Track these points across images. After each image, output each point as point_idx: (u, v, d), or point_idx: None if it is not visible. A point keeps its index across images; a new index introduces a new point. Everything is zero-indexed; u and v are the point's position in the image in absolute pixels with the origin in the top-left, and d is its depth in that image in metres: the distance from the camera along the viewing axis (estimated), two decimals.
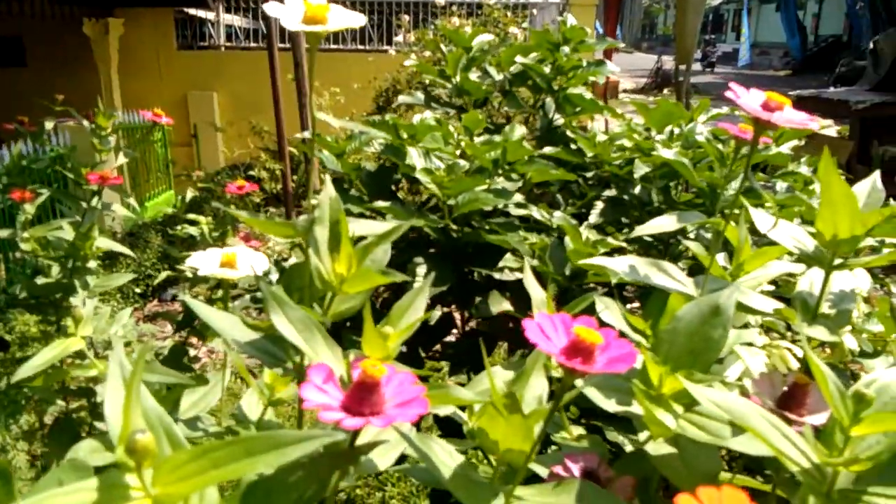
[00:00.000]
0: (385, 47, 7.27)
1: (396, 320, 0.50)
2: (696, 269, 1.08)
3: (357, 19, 0.53)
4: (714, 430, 0.50)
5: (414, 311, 0.50)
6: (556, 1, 7.79)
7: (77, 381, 1.83)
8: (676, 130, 1.31)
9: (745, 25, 27.08)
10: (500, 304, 1.14)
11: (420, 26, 6.89)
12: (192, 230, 1.67)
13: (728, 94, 0.64)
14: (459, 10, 6.72)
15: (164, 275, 1.85)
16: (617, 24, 6.01)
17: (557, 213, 1.14)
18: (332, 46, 7.32)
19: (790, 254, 0.72)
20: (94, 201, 1.45)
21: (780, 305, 0.69)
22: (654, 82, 16.57)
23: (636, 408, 0.53)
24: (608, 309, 0.65)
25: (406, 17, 6.43)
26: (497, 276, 1.18)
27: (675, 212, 0.80)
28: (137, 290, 3.80)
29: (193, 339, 1.56)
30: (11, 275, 4.27)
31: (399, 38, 5.86)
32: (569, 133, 1.38)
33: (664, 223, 0.76)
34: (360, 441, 0.46)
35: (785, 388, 0.55)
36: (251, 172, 4.68)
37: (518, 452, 0.46)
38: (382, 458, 0.49)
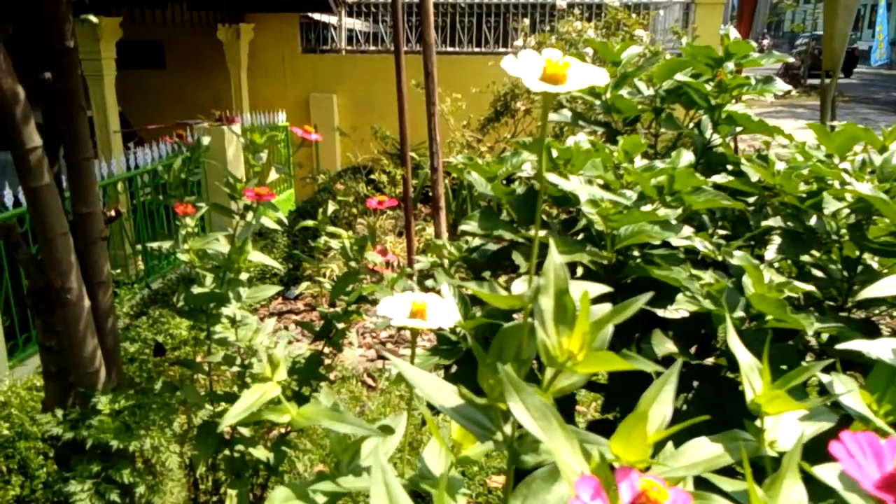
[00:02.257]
0: (501, 49, 7.23)
1: (645, 409, 0.45)
2: None
3: (600, 77, 0.48)
4: None
5: (662, 404, 0.46)
6: (681, 0, 7.48)
7: (224, 385, 1.91)
8: (863, 157, 1.18)
9: (882, 21, 25.04)
10: (664, 346, 1.07)
11: (537, 28, 6.81)
12: (334, 243, 1.69)
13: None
14: (580, 13, 6.58)
15: (304, 285, 1.88)
16: (751, 25, 5.67)
17: (738, 253, 1.05)
18: (450, 49, 7.36)
19: None
20: (249, 216, 1.49)
21: None
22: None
23: None
24: (847, 391, 0.57)
25: (525, 21, 6.37)
26: (660, 312, 1.11)
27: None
28: (274, 267, 3.95)
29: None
30: (149, 266, 4.58)
31: (518, 43, 5.80)
32: (741, 161, 1.28)
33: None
34: None
35: None
36: (372, 176, 4.77)
37: None
38: None
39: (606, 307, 0.53)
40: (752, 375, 0.64)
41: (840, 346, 0.64)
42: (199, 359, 1.73)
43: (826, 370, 0.90)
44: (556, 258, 0.50)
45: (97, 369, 1.61)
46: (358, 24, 7.92)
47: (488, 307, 1.19)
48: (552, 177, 0.53)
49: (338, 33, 7.81)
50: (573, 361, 0.46)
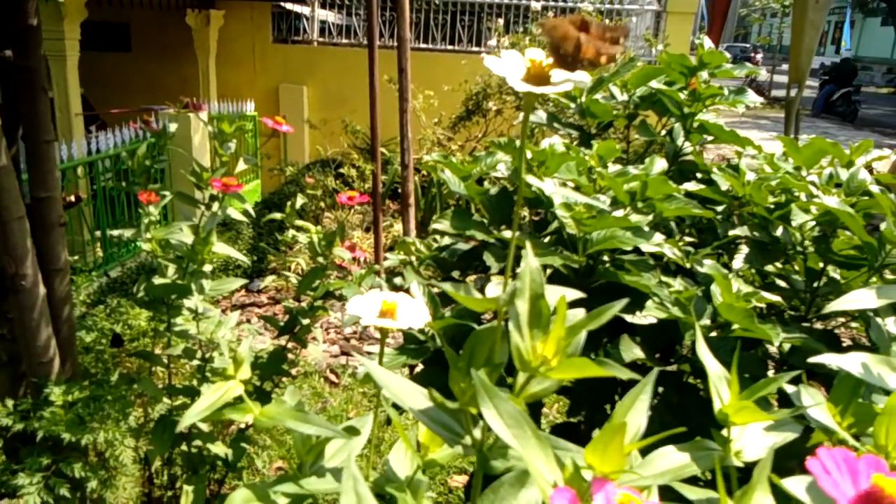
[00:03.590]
0: (475, 49, 7.23)
1: (620, 418, 0.44)
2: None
3: (583, 79, 0.47)
4: None
5: (637, 414, 0.45)
6: (653, 8, 7.57)
7: (183, 379, 1.86)
8: (831, 171, 1.20)
9: (846, 38, 25.75)
10: (632, 351, 1.07)
11: (511, 29, 6.82)
12: (301, 237, 1.66)
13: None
14: (554, 15, 6.61)
15: (269, 279, 1.85)
16: (721, 35, 5.77)
17: (708, 262, 1.06)
18: (423, 46, 7.33)
19: None
20: (215, 206, 1.46)
21: None
22: None
23: None
24: (815, 403, 0.58)
25: (500, 21, 6.38)
26: (628, 317, 1.11)
27: (874, 287, 0.71)
28: (239, 260, 3.89)
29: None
30: (108, 254, 4.46)
31: (492, 42, 5.80)
32: (713, 169, 1.29)
33: (862, 300, 0.68)
34: None
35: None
36: (341, 170, 4.72)
37: None
38: None
39: (580, 312, 0.53)
40: (720, 385, 0.64)
41: (812, 360, 0.64)
42: (158, 351, 1.69)
43: (791, 380, 0.92)
44: (532, 262, 0.49)
45: (51, 359, 1.56)
46: (331, 16, 7.84)
47: (457, 307, 1.18)
48: (530, 178, 0.52)
49: (310, 24, 7.72)
50: (547, 366, 0.46)
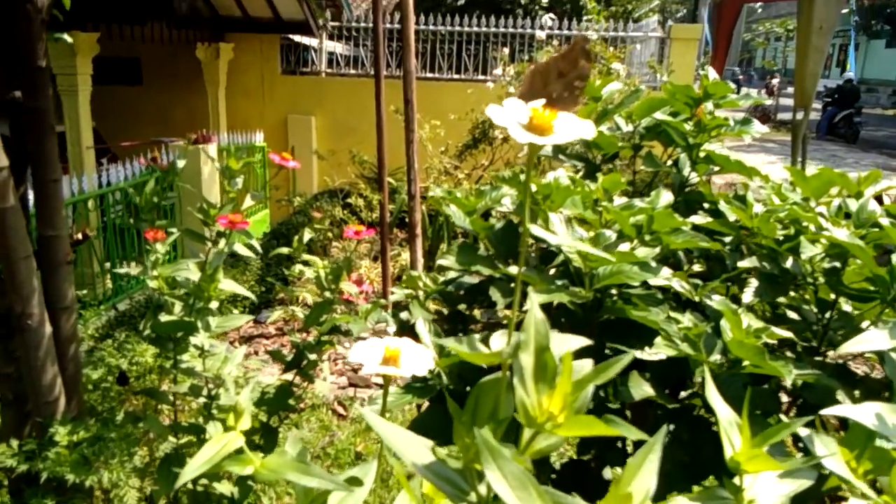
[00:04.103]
0: (480, 77, 7.29)
1: (629, 481, 0.43)
2: None
3: (587, 130, 0.47)
4: None
5: (646, 475, 0.44)
6: (657, 35, 7.62)
7: (189, 416, 1.85)
8: (839, 202, 1.19)
9: (851, 61, 25.83)
10: (642, 389, 1.06)
11: (516, 58, 6.88)
12: (308, 272, 1.66)
13: None
14: (559, 44, 6.67)
15: (277, 314, 1.85)
16: (725, 60, 5.80)
17: (717, 297, 1.05)
18: (429, 75, 7.40)
19: None
20: (222, 244, 1.46)
21: None
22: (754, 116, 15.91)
23: None
24: (829, 454, 0.56)
25: (505, 50, 6.44)
26: (637, 353, 1.09)
27: (885, 326, 0.70)
28: (235, 311, 3.89)
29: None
30: (117, 286, 4.48)
31: (498, 71, 5.85)
32: (720, 200, 1.28)
33: (875, 340, 0.66)
34: None
35: None
36: (348, 200, 4.74)
37: None
38: None
39: (587, 364, 0.52)
40: (732, 431, 0.63)
41: (825, 412, 0.63)
42: (164, 388, 1.68)
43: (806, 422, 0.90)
44: (537, 313, 0.48)
45: (56, 398, 1.55)
46: (339, 48, 7.94)
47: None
48: (536, 230, 0.52)
49: (318, 56, 7.82)
50: (554, 423, 0.44)
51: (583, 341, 0.55)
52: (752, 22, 31.39)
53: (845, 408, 0.57)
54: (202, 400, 1.57)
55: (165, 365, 1.59)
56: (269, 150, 6.95)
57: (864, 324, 1.13)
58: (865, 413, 0.56)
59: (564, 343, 0.54)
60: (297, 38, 7.58)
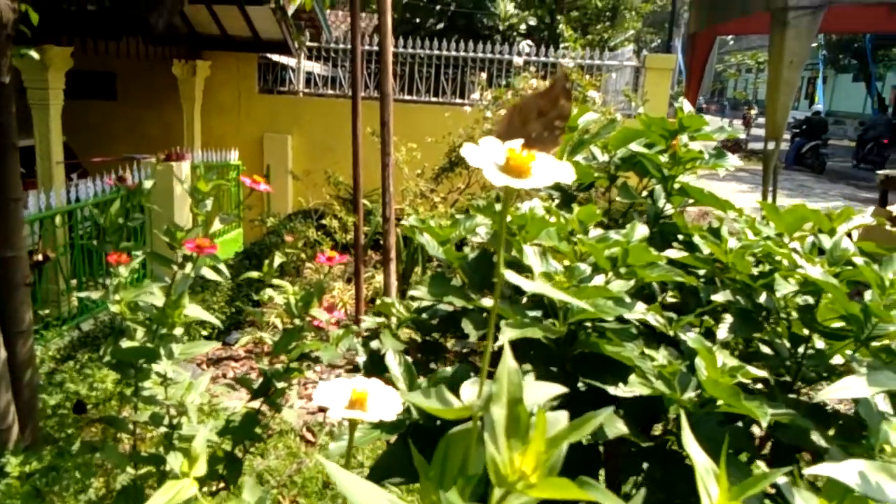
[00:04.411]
0: (458, 101, 7.32)
1: None
2: None
3: (566, 174, 0.45)
4: None
5: None
6: (632, 64, 7.74)
7: (150, 445, 1.79)
8: (813, 239, 1.19)
9: (819, 94, 26.54)
10: (616, 426, 1.03)
11: (494, 83, 6.92)
12: (278, 298, 1.62)
13: None
14: (535, 70, 6.74)
15: (246, 339, 1.80)
16: (698, 92, 5.90)
17: (692, 334, 1.03)
18: (407, 97, 7.42)
19: None
20: (188, 268, 1.41)
21: None
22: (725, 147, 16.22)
23: None
24: None
25: (482, 75, 6.48)
26: (611, 390, 1.08)
27: (865, 372, 0.69)
28: (203, 333, 3.81)
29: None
30: (82, 305, 4.37)
31: (475, 96, 5.88)
32: (694, 234, 1.27)
33: (853, 387, 0.65)
34: None
35: None
36: (323, 221, 4.69)
37: None
38: None
39: (562, 416, 0.49)
40: (708, 479, 0.61)
41: (807, 471, 0.61)
42: (124, 414, 1.62)
43: (774, 460, 0.88)
44: (510, 363, 0.46)
45: (9, 426, 1.49)
46: (317, 68, 7.94)
47: (435, 377, 1.14)
48: (511, 275, 0.50)
49: (296, 75, 7.80)
50: (526, 483, 0.42)
51: (558, 389, 0.53)
52: (724, 53, 32.13)
53: (826, 467, 0.56)
54: (163, 429, 1.51)
55: (126, 392, 1.54)
56: (244, 168, 6.89)
57: (836, 358, 1.13)
58: (848, 471, 0.54)
59: (539, 392, 0.52)
60: (275, 57, 7.56)
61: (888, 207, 5.54)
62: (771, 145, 4.26)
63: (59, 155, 5.46)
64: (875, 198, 8.19)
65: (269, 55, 7.47)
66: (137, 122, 7.60)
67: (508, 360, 0.46)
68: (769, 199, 4.41)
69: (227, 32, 6.98)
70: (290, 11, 6.28)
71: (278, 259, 1.64)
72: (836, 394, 0.65)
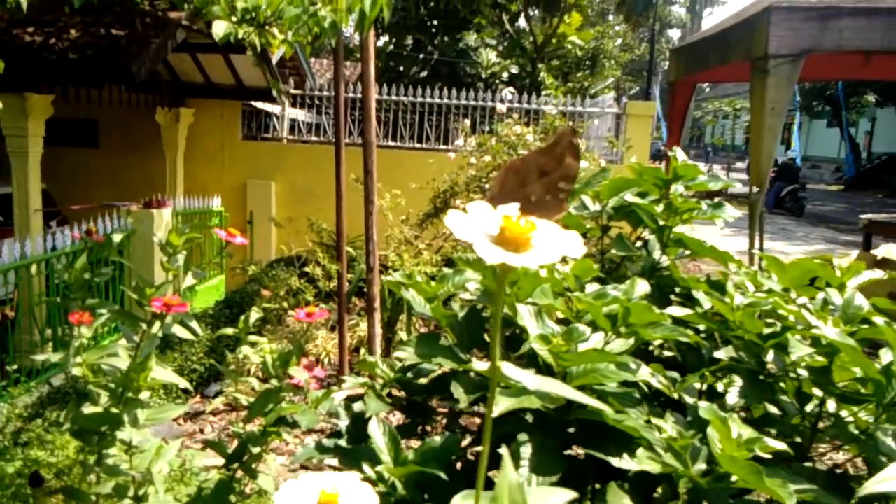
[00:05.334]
0: (442, 147, 7.33)
1: None
2: None
3: (574, 246, 0.37)
4: None
5: None
6: (613, 111, 7.83)
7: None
8: (822, 295, 1.13)
9: (795, 139, 27.10)
10: (621, 503, 0.94)
11: (477, 129, 6.95)
12: (254, 357, 1.53)
13: None
14: (518, 117, 6.77)
15: (219, 400, 1.69)
16: (680, 138, 5.95)
17: (703, 404, 0.95)
18: (391, 144, 7.42)
19: None
20: (156, 327, 1.32)
21: None
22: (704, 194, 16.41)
23: None
24: None
25: (466, 121, 6.50)
26: (615, 462, 0.99)
27: None
28: (181, 385, 3.66)
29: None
30: (58, 342, 4.20)
31: (459, 142, 5.88)
32: (693, 287, 1.21)
33: None
34: None
35: None
36: (306, 269, 4.60)
37: None
38: None
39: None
40: None
41: None
42: (86, 487, 1.50)
43: None
44: (511, 475, 0.38)
45: None
46: (301, 115, 7.94)
47: (421, 449, 1.05)
48: (508, 368, 0.42)
49: (280, 122, 7.80)
50: None
51: (566, 496, 0.44)
52: (702, 100, 32.79)
53: None
54: (128, 502, 1.39)
55: (88, 461, 1.42)
56: (227, 214, 6.80)
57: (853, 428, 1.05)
58: None
59: (545, 499, 0.43)
60: (259, 104, 7.55)
61: (872, 251, 5.56)
62: (756, 191, 4.25)
63: (37, 203, 5.35)
64: (856, 241, 8.25)
65: (253, 102, 7.46)
66: (120, 169, 7.51)
67: (509, 473, 0.38)
68: (756, 245, 4.39)
69: (212, 80, 6.97)
70: (275, 60, 6.29)
71: (255, 315, 1.55)
72: (879, 487, 0.57)
